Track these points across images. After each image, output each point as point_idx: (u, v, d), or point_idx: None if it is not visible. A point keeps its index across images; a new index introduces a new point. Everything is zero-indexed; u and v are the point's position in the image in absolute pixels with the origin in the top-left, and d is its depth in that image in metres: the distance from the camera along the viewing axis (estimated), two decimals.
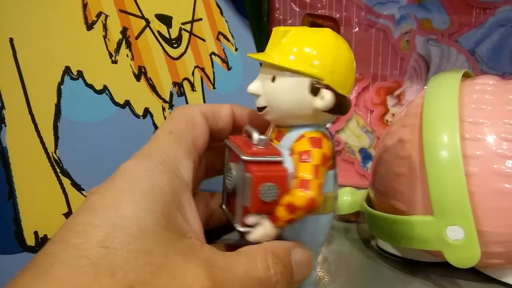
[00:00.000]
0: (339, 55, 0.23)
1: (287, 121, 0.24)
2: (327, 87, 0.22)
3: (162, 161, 0.21)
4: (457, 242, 0.26)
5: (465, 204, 0.25)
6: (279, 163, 0.23)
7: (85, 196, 0.30)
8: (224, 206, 0.26)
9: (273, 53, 0.23)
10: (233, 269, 0.19)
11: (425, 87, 0.31)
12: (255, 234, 0.22)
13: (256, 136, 0.23)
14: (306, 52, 0.23)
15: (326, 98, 0.22)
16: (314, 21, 0.26)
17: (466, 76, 0.32)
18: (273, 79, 0.23)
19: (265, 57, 0.24)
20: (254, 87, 0.24)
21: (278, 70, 0.23)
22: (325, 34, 0.23)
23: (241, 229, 0.23)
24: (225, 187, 0.26)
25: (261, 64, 0.25)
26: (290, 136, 0.24)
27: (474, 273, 0.30)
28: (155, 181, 0.20)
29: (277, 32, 0.24)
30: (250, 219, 0.22)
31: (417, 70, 0.46)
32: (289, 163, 0.23)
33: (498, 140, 0.27)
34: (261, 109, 0.24)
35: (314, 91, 0.22)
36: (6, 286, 0.16)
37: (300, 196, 0.21)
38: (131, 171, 0.20)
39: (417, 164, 0.28)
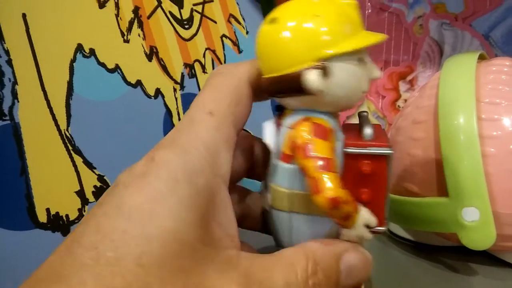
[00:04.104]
0: None
1: None
2: None
3: (201, 158, 0.19)
4: (473, 223, 0.25)
5: (481, 185, 0.25)
6: None
7: (97, 174, 0.30)
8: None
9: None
10: (271, 282, 0.18)
11: (439, 70, 0.31)
12: None
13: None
14: None
15: None
16: None
17: (481, 58, 0.32)
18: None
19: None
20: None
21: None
22: None
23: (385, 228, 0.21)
24: None
25: None
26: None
27: (486, 257, 0.30)
28: (194, 186, 0.18)
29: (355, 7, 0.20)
30: None
31: (430, 54, 0.45)
32: None
33: None
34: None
35: None
36: None
37: None
38: (170, 168, 0.18)
39: (432, 145, 0.28)
